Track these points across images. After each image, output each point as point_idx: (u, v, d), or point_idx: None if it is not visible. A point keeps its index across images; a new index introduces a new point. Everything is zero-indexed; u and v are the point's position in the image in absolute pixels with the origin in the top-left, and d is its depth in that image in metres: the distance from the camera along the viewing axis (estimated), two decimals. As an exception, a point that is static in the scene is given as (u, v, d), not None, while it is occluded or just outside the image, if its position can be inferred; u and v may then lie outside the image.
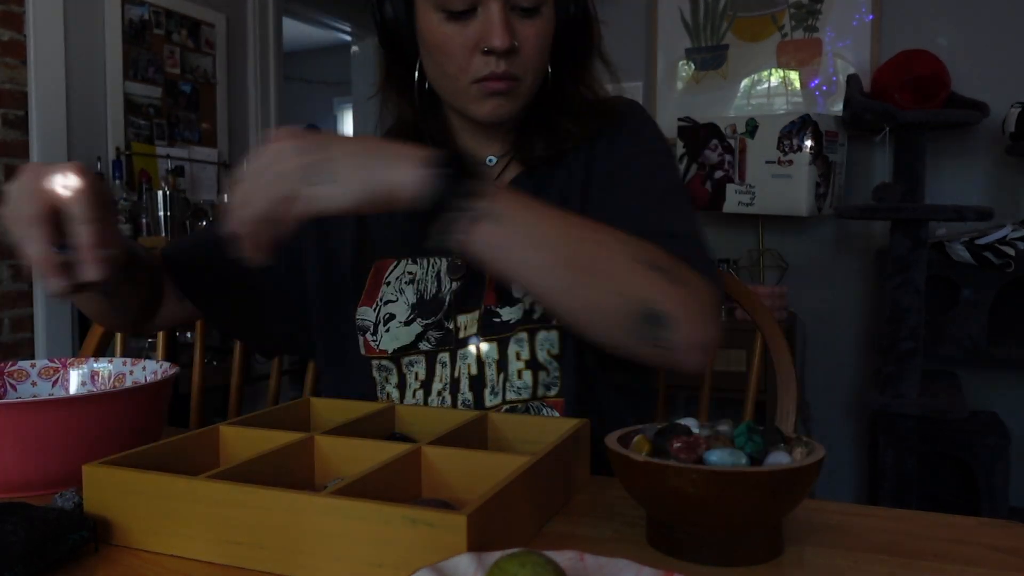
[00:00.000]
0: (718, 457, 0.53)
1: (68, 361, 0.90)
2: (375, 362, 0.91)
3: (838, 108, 2.64)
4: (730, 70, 2.86)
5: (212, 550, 0.54)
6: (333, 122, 6.85)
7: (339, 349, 0.94)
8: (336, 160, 0.64)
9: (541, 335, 0.86)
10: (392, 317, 0.90)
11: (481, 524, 0.49)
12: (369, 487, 0.55)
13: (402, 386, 0.90)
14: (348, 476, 0.58)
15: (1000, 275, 2.23)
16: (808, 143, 2.43)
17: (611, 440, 0.58)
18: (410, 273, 0.91)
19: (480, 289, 0.89)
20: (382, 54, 0.92)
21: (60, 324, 2.56)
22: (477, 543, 0.48)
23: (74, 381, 0.89)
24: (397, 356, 0.90)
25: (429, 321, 0.89)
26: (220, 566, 0.54)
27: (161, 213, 2.66)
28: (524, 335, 0.86)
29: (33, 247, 0.66)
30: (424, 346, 0.89)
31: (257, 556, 0.53)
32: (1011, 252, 2.19)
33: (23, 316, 2.49)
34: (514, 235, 0.66)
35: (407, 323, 0.90)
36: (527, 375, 0.86)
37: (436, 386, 0.89)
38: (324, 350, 0.97)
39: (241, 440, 0.69)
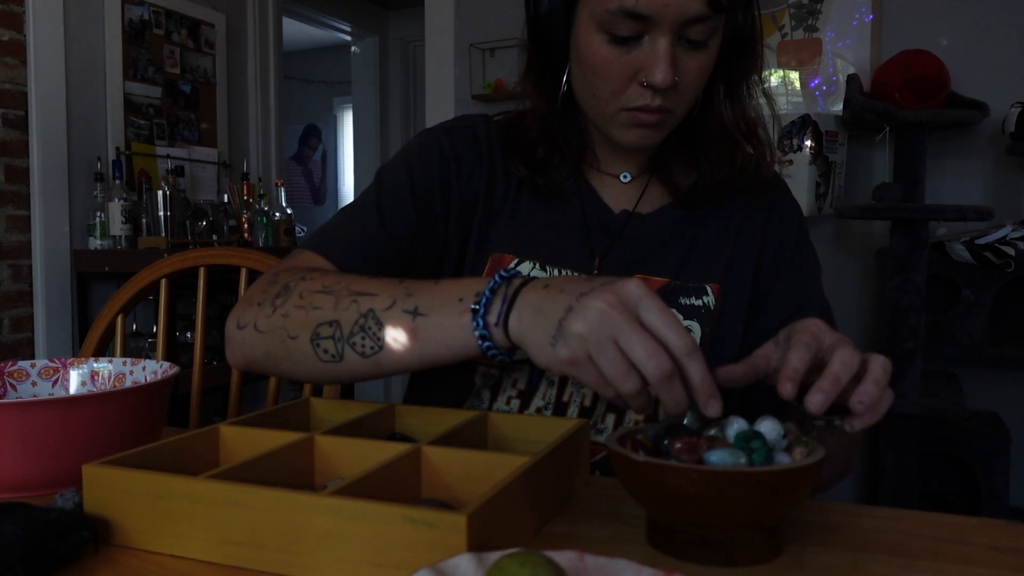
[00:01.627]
0: (718, 457, 0.53)
1: (68, 361, 0.90)
2: (482, 368, 0.86)
3: (838, 108, 2.64)
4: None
5: (212, 550, 0.54)
6: (333, 122, 6.85)
7: None
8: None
9: None
10: None
11: (481, 524, 0.49)
12: (369, 487, 0.55)
13: (496, 388, 0.86)
14: (348, 476, 0.58)
15: (1000, 275, 2.23)
16: (808, 143, 2.43)
17: (611, 440, 0.58)
18: (536, 278, 0.85)
19: None
20: (528, 47, 0.86)
21: (60, 324, 2.56)
22: (477, 543, 0.48)
23: (74, 381, 0.89)
24: (506, 364, 0.84)
25: None
26: (220, 566, 0.54)
27: (161, 213, 2.66)
28: None
29: (673, 396, 0.56)
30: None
31: (257, 556, 0.53)
32: (1011, 252, 2.18)
33: (23, 316, 2.49)
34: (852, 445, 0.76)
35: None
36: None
37: (537, 401, 0.85)
38: None
39: (241, 440, 0.69)
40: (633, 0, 0.73)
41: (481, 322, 0.62)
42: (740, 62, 0.85)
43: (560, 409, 0.85)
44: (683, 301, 0.86)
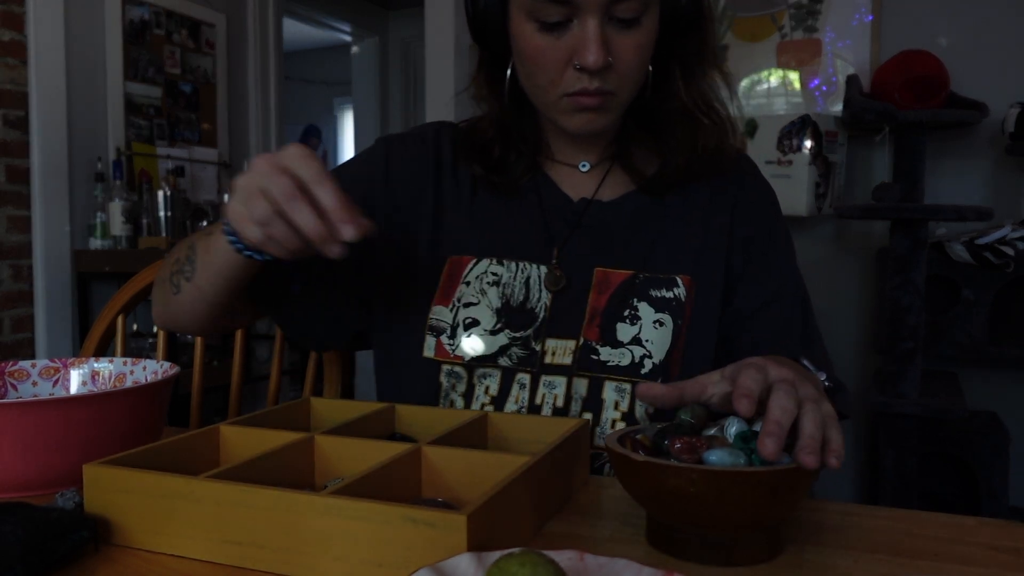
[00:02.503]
0: (718, 457, 0.53)
1: (68, 361, 0.90)
2: (446, 367, 0.85)
3: (838, 108, 2.63)
4: (730, 70, 2.86)
5: (212, 550, 0.54)
6: (333, 122, 6.85)
7: (401, 347, 0.88)
8: None
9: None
10: (476, 323, 0.84)
11: (481, 524, 0.49)
12: (369, 487, 0.55)
13: (469, 396, 0.85)
14: (348, 476, 0.58)
15: (1000, 275, 2.23)
16: (808, 143, 2.43)
17: (611, 440, 0.58)
18: (494, 274, 0.86)
19: (578, 315, 0.84)
20: (476, 47, 0.88)
21: (60, 324, 2.56)
22: (477, 543, 0.48)
23: (74, 381, 0.89)
24: (472, 365, 0.84)
25: (517, 335, 0.84)
26: (220, 566, 0.54)
27: (161, 213, 2.66)
28: (628, 386, 0.82)
29: (302, 217, 0.62)
30: (504, 362, 0.84)
31: (257, 556, 0.53)
32: (1011, 252, 2.18)
33: (23, 316, 2.49)
34: None
35: (493, 332, 0.84)
36: (621, 427, 0.81)
37: (511, 406, 0.84)
38: (385, 348, 0.92)
39: (241, 440, 0.69)
40: None
41: (227, 225, 0.70)
42: (690, 40, 0.84)
43: (533, 412, 0.85)
44: (654, 293, 0.85)
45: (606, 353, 0.83)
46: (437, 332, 0.86)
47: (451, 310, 0.86)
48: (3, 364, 0.88)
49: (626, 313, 0.84)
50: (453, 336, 0.85)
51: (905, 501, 2.13)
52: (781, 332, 0.87)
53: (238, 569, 0.53)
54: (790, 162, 2.47)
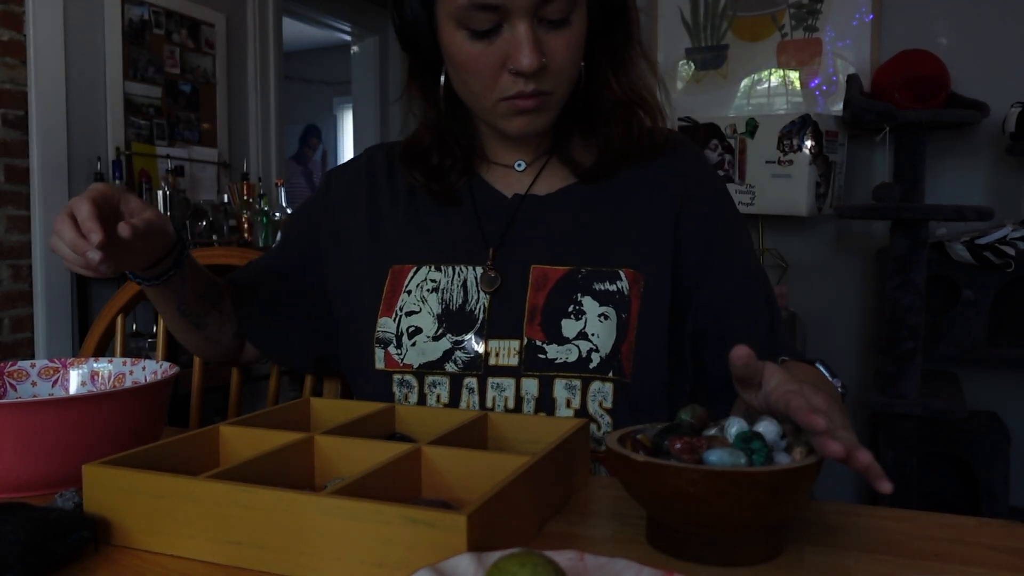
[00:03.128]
0: (718, 457, 0.53)
1: (68, 361, 0.90)
2: (397, 376, 0.86)
3: (838, 108, 2.64)
4: (730, 70, 2.86)
5: (212, 550, 0.54)
6: (333, 122, 6.85)
7: (358, 362, 0.90)
8: None
9: (595, 385, 0.82)
10: (419, 331, 0.85)
11: (481, 524, 0.49)
12: (369, 487, 0.55)
13: (422, 404, 0.85)
14: (348, 476, 0.58)
15: (1000, 275, 2.23)
16: (808, 143, 2.43)
17: (611, 440, 0.58)
18: (433, 281, 0.87)
19: (518, 314, 0.84)
20: (405, 56, 0.89)
21: (60, 324, 2.56)
22: (477, 543, 0.48)
23: (74, 381, 0.89)
24: (421, 372, 0.85)
25: (459, 339, 0.85)
26: (220, 566, 0.54)
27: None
28: (578, 382, 0.82)
29: (62, 232, 0.71)
30: (450, 367, 0.84)
31: (257, 556, 0.53)
32: (1011, 252, 2.18)
33: (23, 316, 2.49)
34: None
35: (435, 338, 0.85)
36: None
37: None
38: (347, 364, 0.95)
39: (241, 440, 0.69)
40: None
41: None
42: (617, 32, 0.85)
43: None
44: (597, 287, 0.84)
45: (553, 351, 0.82)
46: (384, 344, 0.87)
47: (395, 320, 0.87)
48: (3, 364, 0.88)
49: (571, 309, 0.84)
50: (399, 346, 0.86)
51: (905, 501, 2.13)
52: (750, 322, 0.88)
53: (238, 569, 0.53)
54: (790, 162, 2.47)
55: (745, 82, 2.84)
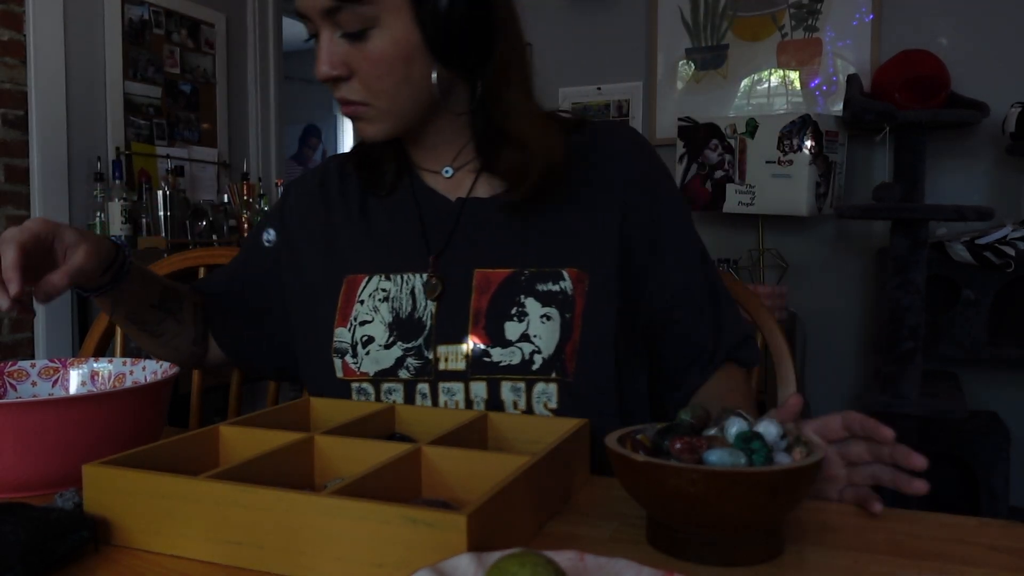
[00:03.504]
0: (718, 457, 0.53)
1: (68, 361, 0.90)
2: (355, 385, 0.87)
3: (838, 108, 2.64)
4: (730, 70, 2.86)
5: (212, 550, 0.54)
6: (333, 122, 6.85)
7: (319, 370, 0.91)
8: None
9: (539, 387, 0.82)
10: (371, 340, 0.87)
11: (481, 524, 0.49)
12: (369, 487, 0.55)
13: None
14: (348, 476, 0.58)
15: (1000, 275, 2.23)
16: (808, 143, 2.43)
17: (611, 440, 0.58)
18: (383, 290, 0.88)
19: (463, 319, 0.85)
20: None
21: (60, 324, 2.56)
22: (477, 543, 0.48)
23: (74, 381, 0.89)
24: (377, 380, 0.86)
25: (409, 346, 0.86)
26: (220, 566, 0.54)
27: (161, 213, 2.66)
28: (522, 384, 0.83)
29: None
30: (403, 374, 0.85)
31: (257, 556, 0.53)
32: (1011, 252, 2.18)
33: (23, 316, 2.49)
34: None
35: (387, 346, 0.86)
36: None
37: None
38: (305, 370, 0.95)
39: (241, 440, 0.69)
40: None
41: None
42: (479, 55, 0.81)
43: None
44: (540, 288, 0.84)
45: (497, 354, 0.83)
46: (341, 353, 0.88)
47: (349, 330, 0.88)
48: (3, 364, 0.88)
49: (513, 311, 0.84)
50: (355, 355, 0.87)
51: (905, 501, 2.13)
52: (696, 312, 0.90)
53: (238, 569, 0.53)
54: (790, 162, 2.47)
55: (745, 82, 2.84)
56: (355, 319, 0.88)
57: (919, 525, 0.61)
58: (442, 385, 0.84)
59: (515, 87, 0.84)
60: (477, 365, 0.83)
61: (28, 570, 0.50)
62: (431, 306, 0.86)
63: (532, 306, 0.84)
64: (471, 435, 0.71)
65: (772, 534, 0.55)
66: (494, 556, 0.45)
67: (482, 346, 0.83)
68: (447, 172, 0.91)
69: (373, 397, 0.86)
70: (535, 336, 0.83)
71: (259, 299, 0.99)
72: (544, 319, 0.83)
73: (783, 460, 0.54)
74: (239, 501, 0.53)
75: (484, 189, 0.90)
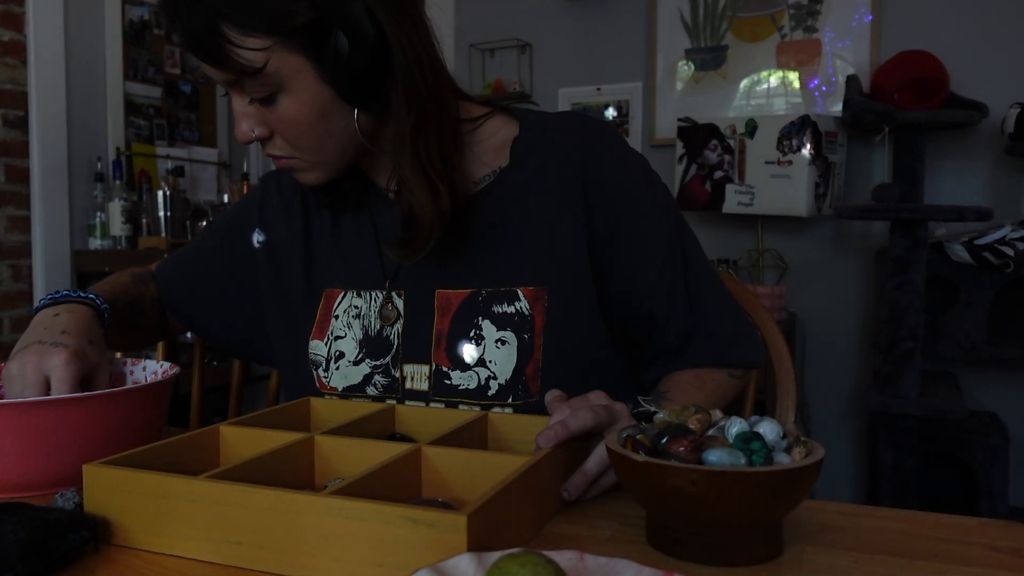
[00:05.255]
0: (718, 457, 0.53)
1: (68, 361, 0.90)
2: (328, 397, 0.87)
3: (838, 108, 2.64)
4: (730, 70, 2.86)
5: (212, 550, 0.54)
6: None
7: (299, 379, 0.91)
8: None
9: (495, 411, 0.80)
10: (342, 355, 0.87)
11: (481, 524, 0.49)
12: (369, 487, 0.55)
13: None
14: (348, 476, 0.58)
15: (999, 275, 2.23)
16: (808, 143, 2.43)
17: (611, 440, 0.58)
18: (356, 307, 0.88)
19: (427, 340, 0.84)
20: None
21: (60, 324, 2.56)
22: (477, 543, 0.48)
23: (74, 381, 0.89)
24: (346, 395, 0.86)
25: (377, 363, 0.86)
26: (220, 566, 0.54)
27: (161, 213, 2.66)
28: (478, 408, 0.81)
29: (28, 392, 0.74)
30: (371, 390, 0.85)
31: (257, 556, 0.53)
32: (1010, 252, 2.18)
33: (23, 316, 2.49)
34: None
35: (356, 363, 0.86)
36: None
37: None
38: (285, 378, 0.96)
39: (241, 440, 0.69)
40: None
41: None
42: (383, 73, 0.76)
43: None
44: (496, 309, 0.82)
45: (457, 377, 0.82)
46: (316, 366, 0.89)
47: (325, 344, 0.88)
48: (3, 364, 0.88)
49: (472, 333, 0.83)
50: (327, 369, 0.88)
51: (905, 501, 2.13)
52: (669, 309, 0.85)
53: (238, 569, 0.53)
54: (790, 162, 2.47)
55: (745, 82, 2.84)
56: (331, 333, 0.88)
57: (919, 525, 0.62)
58: (408, 403, 0.84)
59: (424, 132, 0.78)
60: (439, 387, 0.83)
61: (28, 570, 0.50)
62: (399, 325, 0.86)
63: (488, 329, 0.82)
64: (471, 435, 0.71)
65: (772, 534, 0.55)
66: (494, 556, 0.45)
67: (444, 368, 0.83)
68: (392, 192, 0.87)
69: None
70: (490, 362, 0.81)
71: (232, 290, 0.98)
72: (499, 344, 0.81)
73: (783, 460, 0.54)
74: (239, 501, 0.53)
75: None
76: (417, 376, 0.84)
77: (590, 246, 0.84)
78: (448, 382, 0.83)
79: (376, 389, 0.85)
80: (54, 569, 0.52)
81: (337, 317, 0.89)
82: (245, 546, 0.53)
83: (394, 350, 0.86)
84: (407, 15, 0.75)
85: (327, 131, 0.78)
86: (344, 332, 0.88)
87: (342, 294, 0.89)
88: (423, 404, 0.83)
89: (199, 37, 0.71)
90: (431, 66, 0.78)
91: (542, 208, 0.84)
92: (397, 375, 0.85)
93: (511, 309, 0.82)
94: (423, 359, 0.84)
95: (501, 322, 0.82)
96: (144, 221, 2.67)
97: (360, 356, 0.86)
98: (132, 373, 0.88)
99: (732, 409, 0.85)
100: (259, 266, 0.96)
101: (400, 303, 0.87)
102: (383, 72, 0.75)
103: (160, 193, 2.66)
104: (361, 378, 0.86)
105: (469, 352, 0.82)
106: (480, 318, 0.83)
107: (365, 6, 0.72)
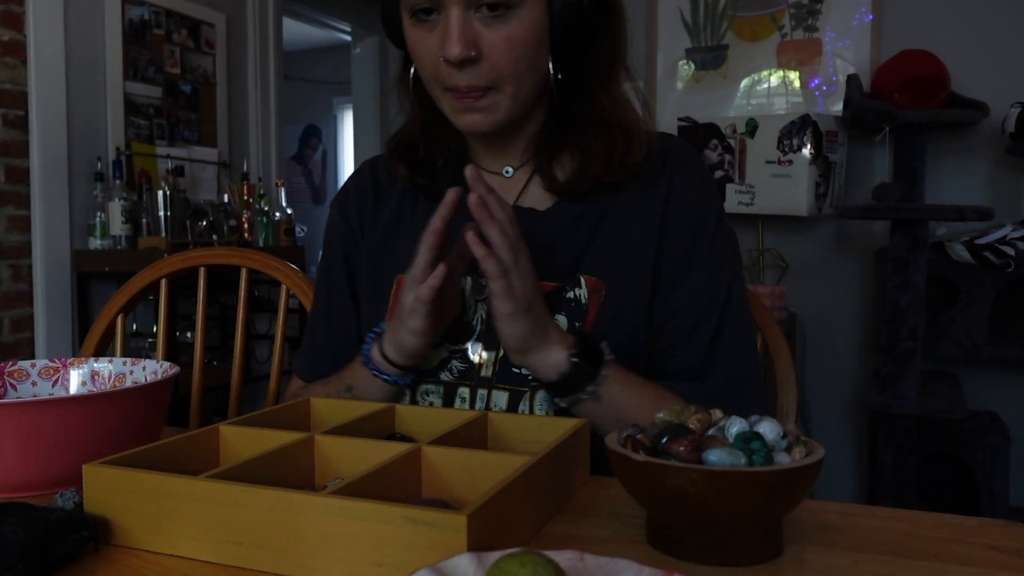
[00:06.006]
0: (718, 457, 0.53)
1: (68, 361, 0.90)
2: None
3: (838, 108, 2.64)
4: (730, 70, 2.86)
5: (212, 550, 0.54)
6: (333, 122, 6.85)
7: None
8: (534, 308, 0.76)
9: (540, 395, 0.82)
10: None
11: (481, 524, 0.49)
12: (369, 487, 0.55)
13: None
14: (348, 476, 0.58)
15: (1000, 275, 2.23)
16: (808, 143, 2.43)
17: (611, 440, 0.58)
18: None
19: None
20: (398, 52, 0.88)
21: (60, 324, 2.56)
22: (477, 543, 0.48)
23: (74, 381, 0.89)
24: (414, 382, 0.85)
25: (456, 348, 0.85)
26: (220, 566, 0.54)
27: (161, 213, 2.66)
28: (527, 392, 0.82)
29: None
30: (445, 376, 0.85)
31: (257, 556, 0.53)
32: (1011, 252, 2.18)
33: (23, 316, 2.49)
34: (608, 410, 0.78)
35: (435, 345, 0.85)
36: None
37: None
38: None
39: (241, 440, 0.69)
40: None
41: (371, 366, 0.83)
42: (599, 46, 0.82)
43: None
44: (565, 295, 0.84)
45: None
46: None
47: None
48: (3, 364, 0.88)
49: None
50: None
51: (905, 501, 2.13)
52: (697, 319, 0.85)
53: (238, 569, 0.53)
54: (790, 162, 2.47)
55: (745, 82, 2.84)
56: None
57: (919, 525, 0.61)
58: (479, 392, 0.84)
59: (616, 77, 0.85)
60: (503, 374, 0.83)
61: (28, 570, 0.50)
62: (481, 310, 0.85)
63: (560, 320, 0.83)
64: (471, 435, 0.71)
65: (772, 534, 0.55)
66: (494, 556, 0.45)
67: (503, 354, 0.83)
68: (507, 172, 0.90)
69: (408, 398, 0.86)
70: None
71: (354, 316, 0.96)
72: None
73: (783, 460, 0.54)
74: (239, 501, 0.53)
75: (537, 195, 0.88)
76: (488, 363, 0.84)
77: (656, 257, 0.85)
78: (515, 370, 0.83)
79: (451, 374, 0.85)
80: (54, 569, 0.52)
81: None
82: (245, 546, 0.53)
83: (475, 335, 0.85)
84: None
85: (534, 63, 0.79)
86: None
87: None
88: (486, 391, 0.84)
89: None
90: (624, 53, 0.85)
91: (623, 207, 0.86)
92: (475, 360, 0.84)
93: (570, 295, 0.84)
94: (495, 346, 0.84)
95: (559, 306, 0.83)
96: (144, 221, 2.67)
97: (439, 339, 0.85)
98: (132, 373, 0.88)
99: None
100: (352, 269, 0.97)
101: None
102: (594, 23, 0.79)
103: (160, 193, 2.66)
104: (437, 362, 0.85)
105: None
106: (556, 314, 0.83)
107: None
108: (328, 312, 0.96)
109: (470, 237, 0.73)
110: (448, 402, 0.85)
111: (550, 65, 0.80)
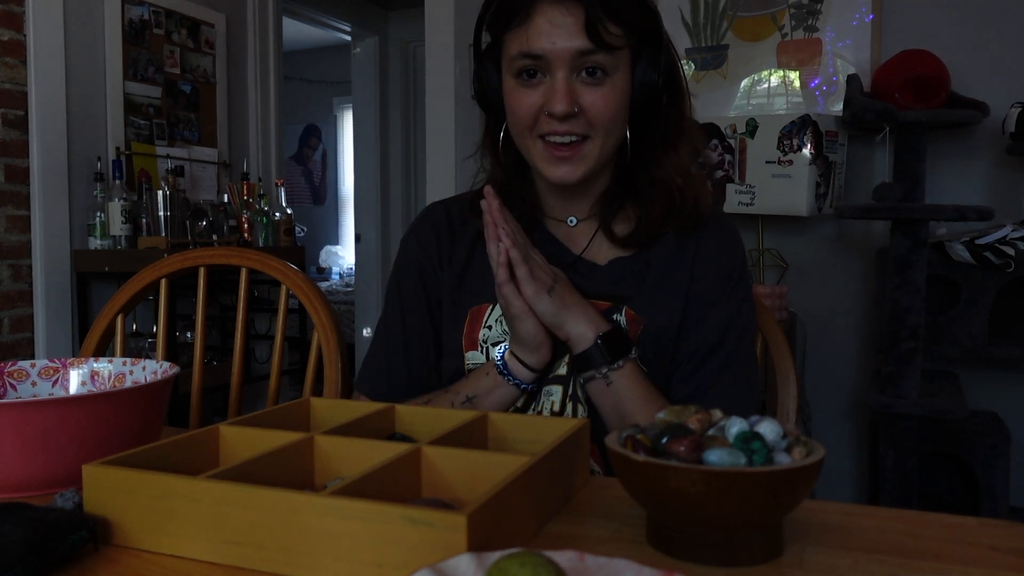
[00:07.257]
0: (718, 457, 0.53)
1: (68, 361, 0.90)
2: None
3: (838, 108, 2.63)
4: (730, 70, 2.86)
5: (212, 550, 0.54)
6: (333, 122, 6.85)
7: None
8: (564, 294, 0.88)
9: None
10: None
11: (481, 524, 0.49)
12: (369, 487, 0.55)
13: (532, 412, 0.94)
14: (348, 476, 0.58)
15: (1000, 275, 2.23)
16: (808, 143, 2.43)
17: (611, 440, 0.58)
18: None
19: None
20: (482, 117, 1.01)
21: (60, 324, 2.56)
22: (477, 543, 0.48)
23: (74, 381, 0.89)
24: (539, 384, 0.94)
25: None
26: (220, 566, 0.54)
27: (161, 213, 2.66)
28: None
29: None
30: (562, 370, 0.94)
31: (257, 556, 0.53)
32: (1011, 252, 2.18)
33: (23, 316, 2.49)
34: (613, 397, 0.87)
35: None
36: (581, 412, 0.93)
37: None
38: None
39: (241, 440, 0.69)
40: (527, 43, 0.87)
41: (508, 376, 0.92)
42: (667, 111, 0.94)
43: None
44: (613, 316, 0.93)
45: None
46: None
47: (482, 352, 0.96)
48: (3, 364, 0.88)
49: None
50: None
51: (905, 501, 2.13)
52: (704, 347, 0.94)
53: (238, 569, 0.53)
54: (790, 162, 2.47)
55: (745, 82, 2.84)
56: (485, 341, 0.95)
57: (919, 525, 0.61)
58: (544, 388, 0.94)
59: (677, 148, 0.96)
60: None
61: (28, 570, 0.50)
62: None
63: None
64: (471, 435, 0.71)
65: (772, 534, 0.55)
66: (494, 556, 0.45)
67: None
68: (572, 221, 1.00)
69: (522, 403, 0.93)
70: None
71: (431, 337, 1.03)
72: None
73: (783, 460, 0.54)
74: (239, 501, 0.53)
75: (600, 247, 0.98)
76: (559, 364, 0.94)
77: (684, 307, 0.94)
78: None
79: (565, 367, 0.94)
80: (54, 569, 0.52)
81: (490, 327, 0.96)
82: (245, 546, 0.53)
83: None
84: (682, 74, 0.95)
85: (620, 123, 0.92)
86: (502, 337, 0.95)
87: (491, 306, 0.96)
88: (560, 387, 0.93)
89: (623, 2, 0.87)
90: (689, 127, 0.97)
91: (662, 257, 0.96)
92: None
93: (616, 317, 0.93)
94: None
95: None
96: (144, 221, 2.67)
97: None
98: (132, 373, 0.88)
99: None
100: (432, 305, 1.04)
101: None
102: (662, 95, 0.92)
103: (160, 193, 2.66)
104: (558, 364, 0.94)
105: None
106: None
107: (666, 44, 0.91)
108: (404, 335, 1.03)
109: (490, 244, 0.86)
110: (563, 399, 0.94)
111: (627, 130, 0.93)
